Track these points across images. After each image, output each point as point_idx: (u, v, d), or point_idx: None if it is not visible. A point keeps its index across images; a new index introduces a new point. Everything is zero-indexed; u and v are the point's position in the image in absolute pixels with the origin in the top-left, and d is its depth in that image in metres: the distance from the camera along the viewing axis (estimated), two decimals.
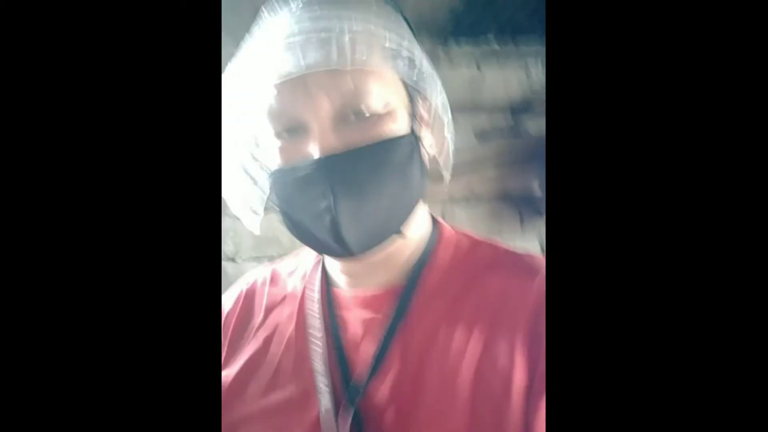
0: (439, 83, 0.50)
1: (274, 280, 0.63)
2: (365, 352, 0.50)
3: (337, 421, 0.48)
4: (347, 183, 0.44)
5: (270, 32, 0.46)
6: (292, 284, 0.61)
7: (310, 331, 0.54)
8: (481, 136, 1.61)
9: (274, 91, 0.45)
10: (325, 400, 0.49)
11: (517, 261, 0.53)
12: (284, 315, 0.58)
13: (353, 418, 0.47)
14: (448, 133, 0.52)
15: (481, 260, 0.54)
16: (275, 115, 0.46)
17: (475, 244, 0.56)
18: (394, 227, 0.49)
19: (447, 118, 0.52)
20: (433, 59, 0.52)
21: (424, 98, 0.49)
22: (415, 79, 0.47)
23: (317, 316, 0.54)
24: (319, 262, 0.60)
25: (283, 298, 0.60)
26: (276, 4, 0.48)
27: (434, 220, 0.58)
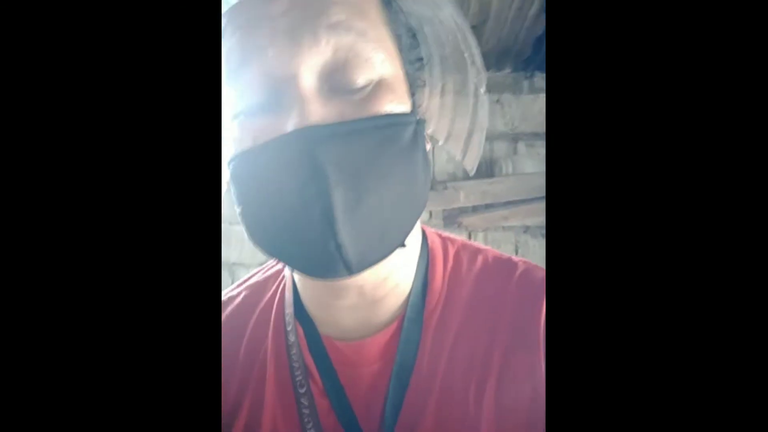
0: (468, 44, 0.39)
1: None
2: (372, 409, 0.42)
3: None
4: (343, 165, 0.33)
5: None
6: (258, 321, 0.48)
7: (299, 389, 0.43)
8: None
9: (251, 48, 0.35)
10: None
11: (511, 269, 0.48)
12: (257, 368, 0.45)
13: None
14: (470, 113, 0.41)
15: (479, 273, 0.48)
16: (245, 85, 0.35)
17: (463, 251, 0.50)
18: (398, 237, 0.38)
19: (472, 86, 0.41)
20: None
21: (426, 82, 0.40)
22: (411, 54, 0.37)
23: (299, 370, 0.43)
24: (279, 290, 0.47)
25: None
26: None
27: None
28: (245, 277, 0.52)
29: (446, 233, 0.51)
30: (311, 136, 0.33)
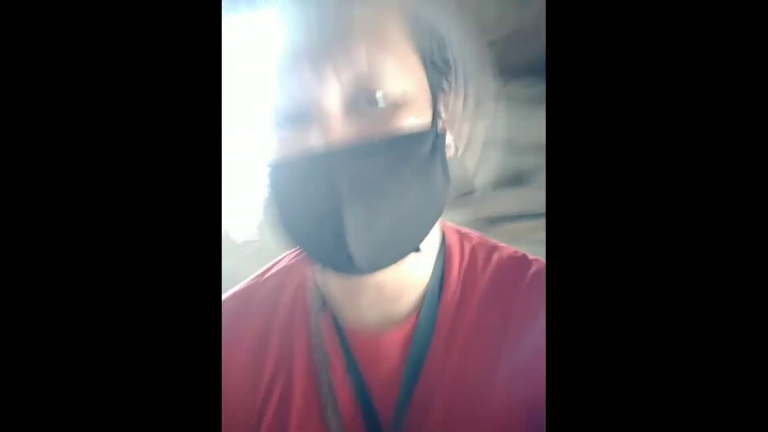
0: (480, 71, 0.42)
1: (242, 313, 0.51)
2: (388, 401, 0.45)
3: None
4: (357, 184, 0.36)
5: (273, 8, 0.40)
6: (283, 311, 0.50)
7: (321, 377, 0.46)
8: None
9: (275, 75, 0.39)
10: None
11: (525, 267, 0.49)
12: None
13: None
14: (481, 129, 0.44)
15: (494, 270, 0.49)
16: (278, 101, 0.39)
17: (480, 248, 0.50)
18: (411, 243, 0.41)
19: (485, 110, 0.44)
20: None
21: (451, 86, 0.42)
22: (438, 58, 0.39)
23: (321, 358, 0.46)
24: (304, 284, 0.50)
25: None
26: None
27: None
28: (275, 260, 0.55)
29: (465, 229, 0.52)
30: (329, 159, 0.36)
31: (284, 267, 0.53)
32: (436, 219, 0.42)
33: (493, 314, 0.46)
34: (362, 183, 0.37)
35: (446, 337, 0.45)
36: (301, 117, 0.39)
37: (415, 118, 0.39)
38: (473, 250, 0.50)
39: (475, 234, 0.52)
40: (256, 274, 0.55)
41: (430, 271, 0.47)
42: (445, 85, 0.42)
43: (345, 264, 0.38)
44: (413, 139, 0.38)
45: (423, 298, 0.46)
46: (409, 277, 0.46)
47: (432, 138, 0.39)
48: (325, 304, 0.48)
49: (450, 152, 0.43)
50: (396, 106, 0.38)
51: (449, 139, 0.43)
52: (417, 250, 0.42)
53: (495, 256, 0.49)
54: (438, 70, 0.41)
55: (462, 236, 0.51)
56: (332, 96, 0.37)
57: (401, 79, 0.38)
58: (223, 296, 0.53)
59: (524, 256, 0.50)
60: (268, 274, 0.54)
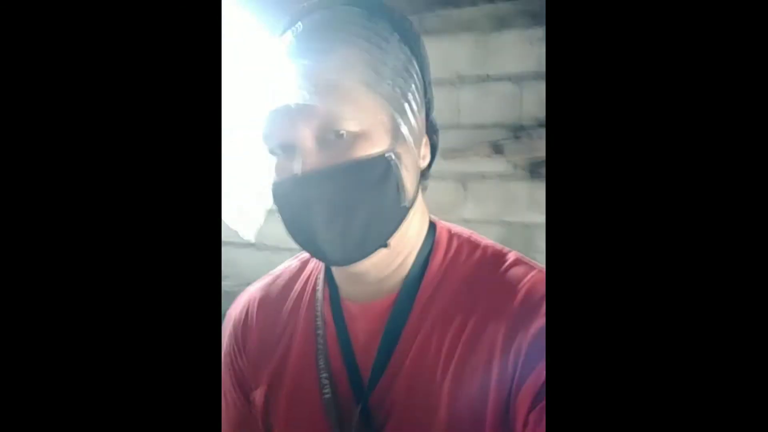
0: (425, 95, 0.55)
1: (278, 284, 0.68)
2: (369, 359, 0.55)
3: (340, 414, 0.54)
4: (323, 200, 0.49)
5: (267, 60, 0.53)
6: (299, 286, 0.65)
7: (318, 332, 0.59)
8: None
9: (267, 116, 0.51)
10: (328, 395, 0.55)
11: (501, 263, 0.56)
12: (295, 316, 0.63)
13: (360, 416, 0.53)
14: (429, 145, 0.57)
15: (473, 264, 0.57)
16: (267, 136, 0.52)
17: (466, 245, 0.60)
18: (378, 240, 0.52)
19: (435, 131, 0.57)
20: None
21: (407, 116, 0.53)
22: (397, 103, 0.51)
23: (320, 319, 0.60)
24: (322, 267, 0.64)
25: (293, 301, 0.65)
26: (278, 27, 0.55)
27: (431, 224, 0.61)
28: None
29: (457, 228, 0.62)
30: (304, 181, 0.49)
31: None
32: (401, 220, 0.53)
33: (464, 300, 0.54)
34: (329, 199, 0.49)
35: (419, 315, 0.55)
36: (287, 148, 0.51)
37: (372, 146, 0.50)
38: (460, 246, 0.59)
39: (465, 233, 0.62)
40: (294, 256, 0.72)
41: (413, 262, 0.58)
42: (402, 119, 0.53)
43: (324, 258, 0.53)
44: (367, 163, 0.49)
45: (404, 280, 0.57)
46: (392, 265, 0.56)
47: (384, 162, 0.50)
48: (329, 281, 0.62)
49: (423, 163, 0.56)
50: (356, 138, 0.49)
51: (410, 157, 0.53)
52: (385, 246, 0.52)
53: (478, 252, 0.58)
54: (398, 101, 0.52)
55: (452, 235, 0.61)
56: (306, 136, 0.49)
57: (359, 118, 0.49)
58: (263, 278, 0.70)
59: (503, 252, 0.58)
60: (295, 260, 0.70)
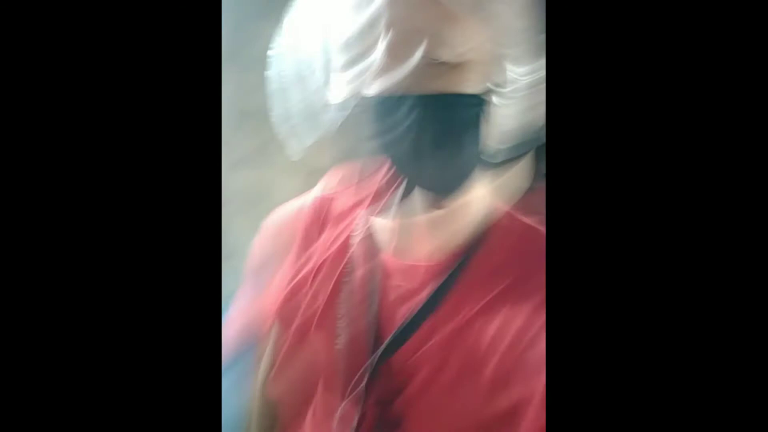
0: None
1: (332, 213, 0.61)
2: (397, 322, 0.51)
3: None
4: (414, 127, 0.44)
5: None
6: (341, 228, 0.59)
7: (345, 279, 0.55)
8: None
9: (346, 18, 0.45)
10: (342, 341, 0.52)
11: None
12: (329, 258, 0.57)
13: (372, 375, 0.49)
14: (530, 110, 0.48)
15: (530, 249, 0.50)
16: (344, 45, 0.46)
17: (526, 229, 0.51)
18: (447, 188, 0.48)
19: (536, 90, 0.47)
20: None
21: (510, 62, 0.46)
22: (502, 37, 0.45)
23: (350, 265, 0.55)
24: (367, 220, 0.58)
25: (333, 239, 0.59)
26: None
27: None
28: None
29: (528, 219, 0.53)
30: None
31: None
32: (469, 173, 0.47)
33: (503, 284, 0.49)
34: (415, 128, 0.44)
35: (459, 296, 0.49)
36: (363, 60, 0.44)
37: (466, 80, 0.44)
38: (521, 230, 0.51)
39: (531, 219, 0.52)
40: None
41: (470, 232, 0.51)
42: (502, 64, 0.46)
43: (421, 183, 0.46)
44: (459, 100, 0.45)
45: (454, 259, 0.51)
46: (451, 227, 0.51)
47: (476, 104, 0.45)
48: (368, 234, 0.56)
49: (509, 113, 0.47)
50: (451, 66, 0.44)
51: (503, 112, 0.47)
52: (439, 207, 0.47)
53: (539, 241, 0.48)
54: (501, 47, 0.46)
55: (514, 217, 0.52)
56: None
57: (463, 41, 0.43)
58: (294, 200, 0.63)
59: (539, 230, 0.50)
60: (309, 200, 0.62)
